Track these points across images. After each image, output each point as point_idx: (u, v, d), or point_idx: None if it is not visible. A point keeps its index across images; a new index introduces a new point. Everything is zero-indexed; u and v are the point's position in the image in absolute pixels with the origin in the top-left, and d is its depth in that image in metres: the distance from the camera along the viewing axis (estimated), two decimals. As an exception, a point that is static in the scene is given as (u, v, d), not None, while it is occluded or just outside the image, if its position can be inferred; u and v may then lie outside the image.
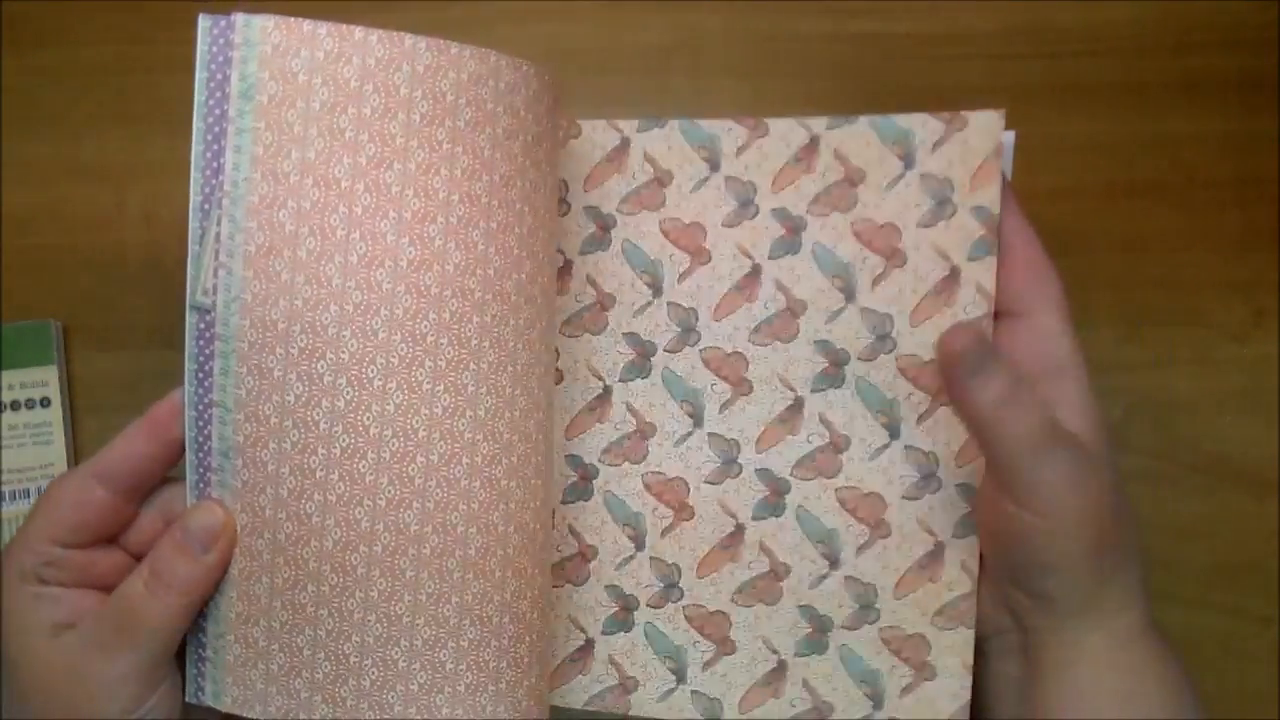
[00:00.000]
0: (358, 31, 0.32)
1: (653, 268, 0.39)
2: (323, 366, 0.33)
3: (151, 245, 0.47)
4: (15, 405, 0.45)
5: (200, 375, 0.33)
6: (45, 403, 0.46)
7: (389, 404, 0.33)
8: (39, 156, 0.48)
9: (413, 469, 0.33)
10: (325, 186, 0.32)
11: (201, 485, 0.34)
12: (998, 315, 0.36)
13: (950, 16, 0.45)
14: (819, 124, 0.38)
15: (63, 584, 0.34)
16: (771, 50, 0.46)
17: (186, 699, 0.35)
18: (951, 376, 0.33)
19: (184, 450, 0.34)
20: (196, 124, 0.33)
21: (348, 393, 0.33)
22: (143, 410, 0.34)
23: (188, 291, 0.33)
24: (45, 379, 0.46)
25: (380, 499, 0.33)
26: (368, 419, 0.33)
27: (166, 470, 0.35)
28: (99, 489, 0.34)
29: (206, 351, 0.33)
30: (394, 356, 0.33)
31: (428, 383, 0.33)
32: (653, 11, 0.47)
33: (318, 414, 0.33)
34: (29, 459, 0.45)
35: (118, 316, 0.47)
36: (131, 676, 0.33)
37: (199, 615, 0.34)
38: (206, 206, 0.33)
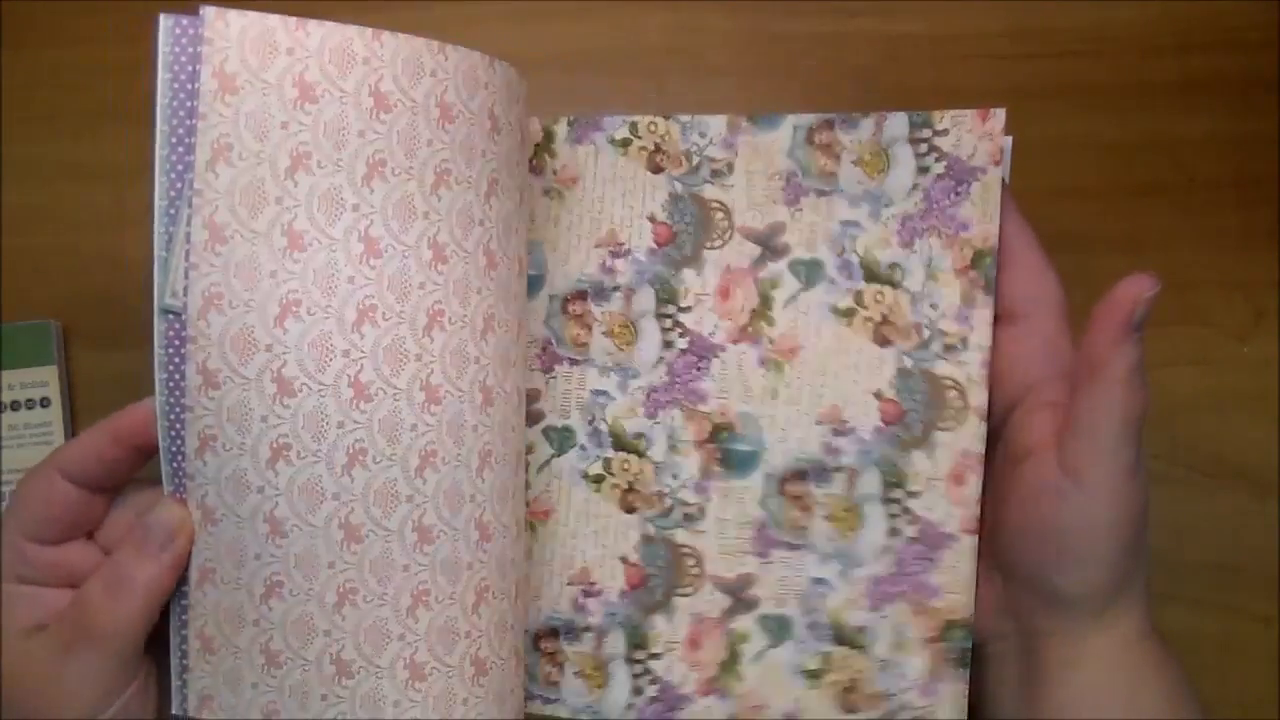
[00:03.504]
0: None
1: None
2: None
3: (151, 245, 0.47)
4: (15, 405, 0.45)
5: (171, 384, 0.33)
6: (45, 403, 0.46)
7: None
8: (39, 156, 0.48)
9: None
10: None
11: (180, 495, 0.33)
12: (997, 319, 0.36)
13: (951, 16, 0.45)
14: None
15: (39, 583, 0.34)
16: (771, 50, 0.46)
17: (173, 711, 0.34)
18: (1114, 319, 0.31)
19: (149, 456, 0.34)
20: (160, 127, 0.32)
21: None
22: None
23: (155, 296, 0.33)
24: (45, 379, 0.46)
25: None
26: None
27: (133, 473, 0.35)
28: (63, 483, 0.34)
29: (178, 357, 0.33)
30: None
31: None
32: (653, 11, 0.47)
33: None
34: (29, 459, 0.45)
35: (118, 316, 0.47)
36: (96, 677, 0.33)
37: (179, 626, 0.34)
38: (172, 211, 0.32)
